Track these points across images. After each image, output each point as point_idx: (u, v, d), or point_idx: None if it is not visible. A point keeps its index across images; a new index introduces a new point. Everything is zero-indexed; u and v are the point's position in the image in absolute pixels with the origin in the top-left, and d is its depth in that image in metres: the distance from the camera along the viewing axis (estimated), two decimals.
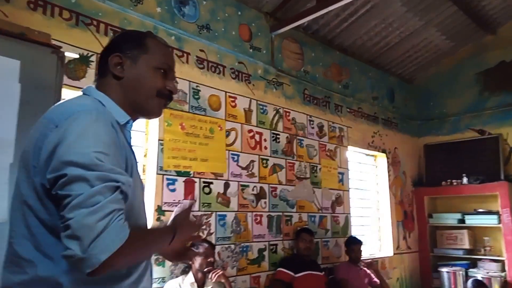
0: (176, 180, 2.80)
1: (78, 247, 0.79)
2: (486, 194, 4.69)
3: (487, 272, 4.46)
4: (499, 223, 4.52)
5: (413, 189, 5.28)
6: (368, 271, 3.82)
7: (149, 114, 1.12)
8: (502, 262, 4.49)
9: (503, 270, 4.46)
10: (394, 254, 4.73)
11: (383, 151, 4.95)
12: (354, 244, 3.81)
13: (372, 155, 4.96)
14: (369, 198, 4.84)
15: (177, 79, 2.94)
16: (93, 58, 2.48)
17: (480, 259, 4.68)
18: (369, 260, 4.06)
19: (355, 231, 4.31)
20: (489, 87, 5.00)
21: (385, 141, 5.00)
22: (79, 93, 1.10)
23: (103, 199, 0.82)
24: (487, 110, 4.95)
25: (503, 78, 4.86)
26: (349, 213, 4.30)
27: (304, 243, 3.40)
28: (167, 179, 2.77)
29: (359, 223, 4.58)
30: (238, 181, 3.23)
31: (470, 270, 4.60)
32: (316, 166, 4.01)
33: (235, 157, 3.24)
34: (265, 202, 3.41)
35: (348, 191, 4.36)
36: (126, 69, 1.07)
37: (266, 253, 3.34)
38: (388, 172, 4.94)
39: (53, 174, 0.85)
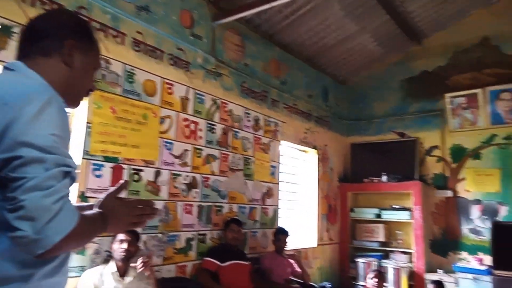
0: (103, 165, 2.69)
1: (31, 228, 0.79)
2: (402, 192, 5.13)
3: (397, 263, 4.89)
4: (411, 218, 4.97)
5: (338, 184, 5.59)
6: (292, 261, 4.00)
7: (70, 107, 1.08)
8: (411, 254, 4.96)
9: (411, 261, 4.93)
10: (318, 245, 5.00)
11: (314, 147, 5.17)
12: (281, 234, 3.97)
13: (304, 151, 5.16)
14: (298, 192, 5.05)
15: (110, 60, 2.81)
16: (17, 30, 2.27)
17: (392, 251, 5.12)
18: (293, 252, 4.25)
19: (282, 223, 4.47)
20: (411, 94, 5.44)
21: (317, 138, 5.23)
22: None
23: (57, 183, 0.83)
24: (408, 115, 5.40)
25: (424, 87, 5.32)
26: (278, 205, 4.45)
27: (232, 233, 3.46)
28: (94, 164, 2.64)
29: (287, 215, 4.77)
30: (170, 170, 3.18)
31: (383, 261, 5.02)
32: (250, 159, 4.08)
33: (169, 145, 3.19)
34: (196, 192, 3.41)
35: (279, 184, 4.50)
36: (75, 61, 1.03)
37: (194, 242, 3.34)
38: (318, 167, 5.19)
39: (5, 155, 0.82)
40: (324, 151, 5.37)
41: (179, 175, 3.25)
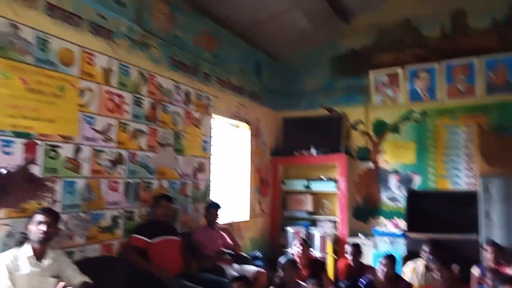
0: (13, 142, 2.46)
1: None
2: (329, 164, 5.41)
3: (324, 231, 5.21)
4: (337, 189, 5.28)
5: (270, 158, 5.73)
6: (223, 234, 4.07)
7: None
8: (336, 222, 5.30)
9: (336, 228, 5.28)
10: (250, 217, 5.13)
11: (247, 122, 5.21)
12: (213, 208, 4.00)
13: (237, 125, 5.18)
14: (230, 166, 5.09)
15: (20, 25, 2.54)
16: None
17: (319, 220, 5.44)
18: (225, 225, 4.32)
19: (214, 197, 4.50)
20: (339, 71, 5.66)
21: (249, 113, 5.26)
22: None
23: None
24: (336, 91, 5.63)
25: (352, 65, 5.55)
26: (210, 180, 4.46)
27: (162, 210, 3.41)
28: (2, 140, 2.42)
29: (220, 189, 4.81)
30: (92, 146, 3.02)
31: (311, 228, 5.32)
32: (181, 133, 4.00)
33: (90, 119, 3.00)
34: (122, 169, 3.28)
35: (210, 158, 4.49)
36: None
37: (121, 220, 3.25)
38: (250, 142, 5.25)
39: None
40: (257, 126, 5.44)
41: (102, 151, 3.10)
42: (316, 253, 4.95)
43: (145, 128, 3.56)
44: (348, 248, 4.06)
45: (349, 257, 3.93)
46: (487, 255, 3.60)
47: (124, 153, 3.30)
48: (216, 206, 4.02)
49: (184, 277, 3.20)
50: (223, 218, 4.22)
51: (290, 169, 5.86)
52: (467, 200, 4.38)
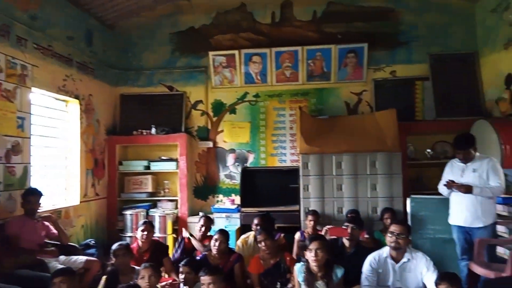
0: None
1: None
2: (169, 143, 5.33)
3: (164, 211, 5.15)
4: (177, 168, 5.27)
5: (106, 137, 5.31)
6: (46, 223, 3.60)
7: None
8: (176, 201, 5.30)
9: (176, 207, 5.28)
10: (81, 202, 4.68)
11: (76, 97, 4.67)
12: (32, 195, 3.47)
13: (63, 100, 4.59)
14: (56, 146, 4.51)
15: None
16: None
17: (159, 200, 5.35)
18: (48, 213, 3.82)
19: (36, 183, 3.93)
20: (179, 48, 5.58)
21: (79, 87, 4.72)
22: None
23: None
24: (177, 69, 5.54)
25: (192, 43, 5.53)
26: (29, 163, 3.86)
27: None
28: None
29: (42, 173, 4.22)
30: None
31: (151, 210, 5.20)
32: None
33: None
34: None
35: (30, 138, 3.87)
36: None
37: None
38: (81, 119, 4.74)
39: None
40: (89, 102, 4.93)
41: None
42: (157, 234, 4.86)
43: None
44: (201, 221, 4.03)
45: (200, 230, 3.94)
46: (306, 222, 4.14)
47: None
48: (36, 193, 3.50)
49: None
50: (46, 205, 3.72)
51: (128, 149, 5.56)
52: (292, 175, 4.93)
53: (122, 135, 5.37)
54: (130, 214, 5.04)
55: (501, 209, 3.57)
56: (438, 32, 5.17)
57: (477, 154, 3.41)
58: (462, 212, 3.37)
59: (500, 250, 3.35)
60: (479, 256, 3.26)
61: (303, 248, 2.96)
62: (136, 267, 3.12)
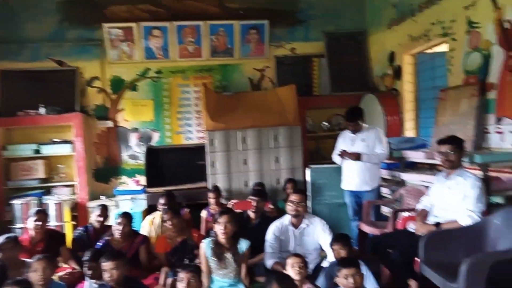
0: None
1: None
2: (62, 124, 4.85)
3: (60, 198, 4.75)
4: (73, 151, 4.85)
5: None
6: None
7: None
8: (74, 186, 4.91)
9: (74, 193, 4.90)
10: None
11: None
12: None
13: None
14: None
15: None
16: None
17: (54, 186, 4.90)
18: None
19: None
20: (69, 19, 5.05)
21: None
22: None
23: None
24: (67, 42, 5.03)
25: (83, 13, 5.04)
26: None
27: None
28: None
29: None
30: None
31: (44, 197, 4.74)
32: None
33: None
34: None
35: None
36: None
37: None
38: None
39: None
40: None
41: None
42: (53, 223, 4.48)
43: None
44: (95, 211, 3.80)
45: (98, 218, 3.70)
46: (210, 200, 4.17)
47: None
48: None
49: None
50: None
51: (13, 131, 4.94)
52: (198, 152, 4.90)
53: (5, 117, 4.75)
54: (20, 204, 4.55)
55: (385, 173, 4.02)
56: (332, 12, 5.48)
57: (365, 125, 3.77)
58: (352, 178, 3.73)
59: (385, 210, 3.80)
60: (367, 216, 3.65)
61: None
62: (28, 260, 2.86)
